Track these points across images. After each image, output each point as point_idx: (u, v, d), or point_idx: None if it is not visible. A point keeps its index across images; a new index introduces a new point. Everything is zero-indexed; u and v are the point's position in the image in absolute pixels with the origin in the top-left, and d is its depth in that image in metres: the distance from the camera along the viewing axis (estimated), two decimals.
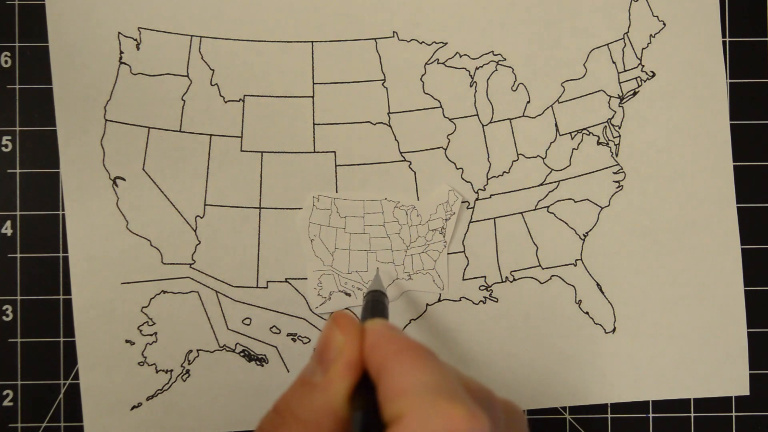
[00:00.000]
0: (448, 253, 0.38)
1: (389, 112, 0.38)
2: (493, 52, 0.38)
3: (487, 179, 0.38)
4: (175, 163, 0.37)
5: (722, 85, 0.39)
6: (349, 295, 0.38)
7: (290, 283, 0.38)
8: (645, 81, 0.38)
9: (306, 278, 0.38)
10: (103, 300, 0.37)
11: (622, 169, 0.39)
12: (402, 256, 0.38)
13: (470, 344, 0.38)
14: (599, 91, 0.38)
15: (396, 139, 0.38)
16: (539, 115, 0.38)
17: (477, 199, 0.38)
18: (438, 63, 0.38)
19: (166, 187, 0.38)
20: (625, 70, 0.38)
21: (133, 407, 0.38)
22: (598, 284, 0.39)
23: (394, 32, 0.38)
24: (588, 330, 0.39)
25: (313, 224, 0.37)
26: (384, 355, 0.23)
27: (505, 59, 0.38)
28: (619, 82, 0.38)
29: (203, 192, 0.38)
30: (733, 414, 0.39)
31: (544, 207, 0.38)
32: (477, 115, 0.38)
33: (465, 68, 0.38)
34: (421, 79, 0.38)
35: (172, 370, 0.38)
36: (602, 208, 0.39)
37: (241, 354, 0.38)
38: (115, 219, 0.37)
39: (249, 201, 0.38)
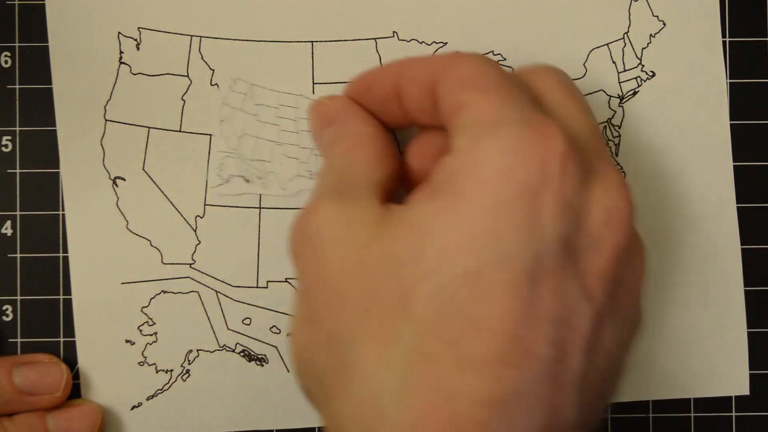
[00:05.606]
0: None
1: None
2: (493, 52, 0.38)
3: None
4: (175, 163, 0.37)
5: (722, 85, 0.39)
6: (248, 181, 0.37)
7: (290, 283, 0.38)
8: (645, 81, 0.38)
9: None
10: (103, 300, 0.37)
11: (622, 169, 0.38)
12: (308, 153, 0.37)
13: None
14: (599, 91, 0.38)
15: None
16: None
17: None
18: None
19: (166, 187, 0.38)
20: (625, 70, 0.38)
21: (133, 407, 0.38)
22: None
23: (394, 32, 0.38)
24: None
25: (225, 106, 0.37)
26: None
27: (505, 59, 0.38)
28: (619, 82, 0.38)
29: (203, 192, 0.38)
30: (733, 414, 0.39)
31: None
32: None
33: None
34: None
35: (172, 370, 0.38)
36: None
37: (241, 354, 0.38)
38: (115, 219, 0.37)
39: (249, 201, 0.38)
